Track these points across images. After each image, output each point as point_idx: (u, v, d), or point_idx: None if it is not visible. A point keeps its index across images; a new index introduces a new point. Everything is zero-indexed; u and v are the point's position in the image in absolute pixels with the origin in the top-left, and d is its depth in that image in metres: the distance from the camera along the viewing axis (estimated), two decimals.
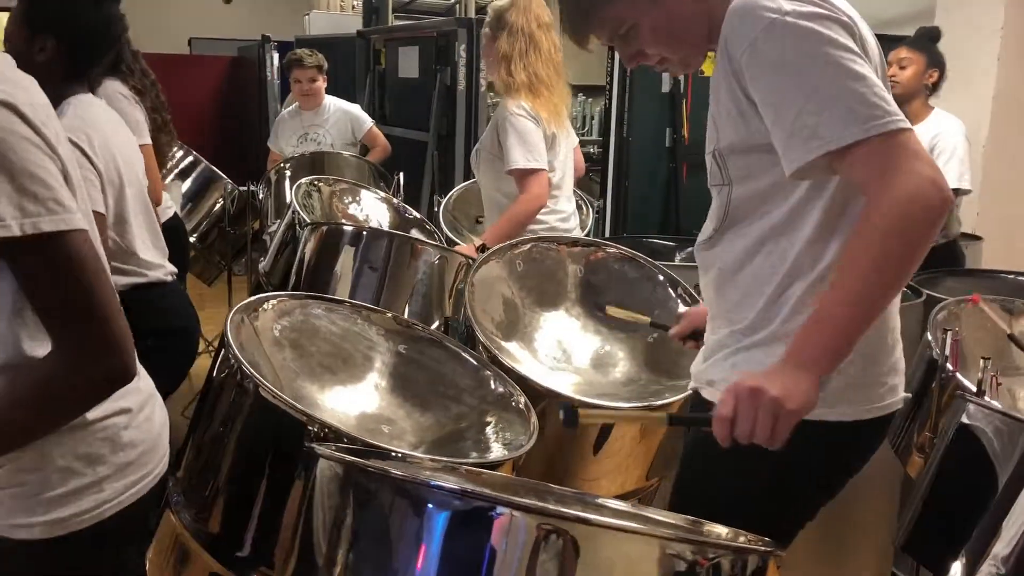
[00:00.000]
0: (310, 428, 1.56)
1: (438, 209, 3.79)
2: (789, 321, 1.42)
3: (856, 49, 1.29)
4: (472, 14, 6.42)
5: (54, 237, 1.08)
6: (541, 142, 2.79)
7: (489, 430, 1.93)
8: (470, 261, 2.65)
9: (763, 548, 1.12)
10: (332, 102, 4.67)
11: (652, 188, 4.38)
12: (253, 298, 1.94)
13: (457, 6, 6.24)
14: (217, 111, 8.27)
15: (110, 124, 2.14)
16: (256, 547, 1.68)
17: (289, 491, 1.67)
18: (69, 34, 2.02)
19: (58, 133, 1.17)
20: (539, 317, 2.45)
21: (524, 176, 2.77)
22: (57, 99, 2.02)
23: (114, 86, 2.77)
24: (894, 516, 2.85)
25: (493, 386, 2.03)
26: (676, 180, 4.36)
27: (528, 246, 2.49)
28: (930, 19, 4.07)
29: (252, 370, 1.63)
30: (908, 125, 1.27)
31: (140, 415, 1.31)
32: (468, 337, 2.25)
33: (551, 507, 1.09)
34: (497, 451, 1.80)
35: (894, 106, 1.27)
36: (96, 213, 1.98)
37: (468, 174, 4.52)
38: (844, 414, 1.45)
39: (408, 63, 5.04)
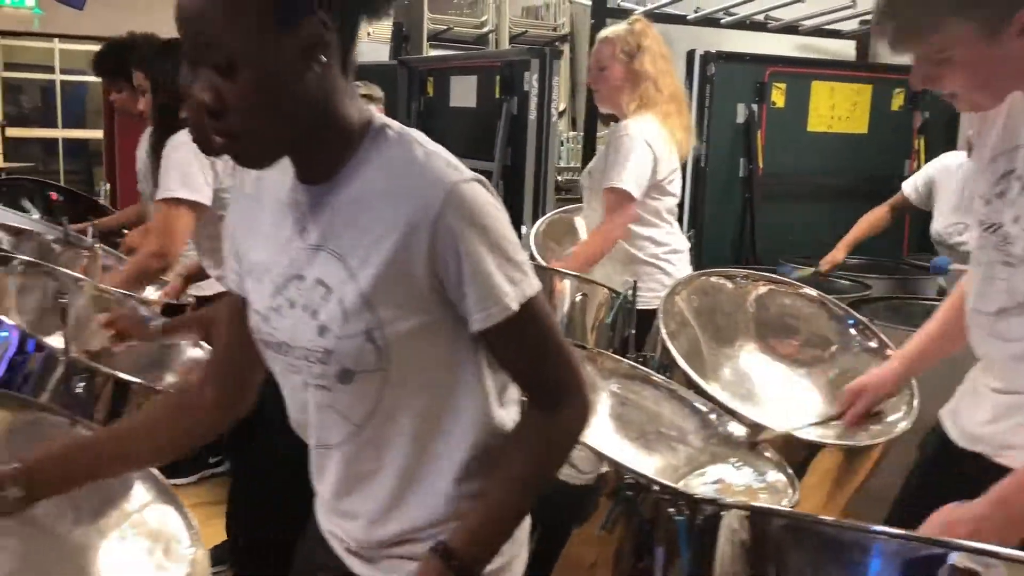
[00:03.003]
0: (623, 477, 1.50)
1: (523, 239, 3.74)
2: None
3: None
4: (506, 44, 6.42)
5: (535, 298, 1.08)
6: (648, 175, 2.74)
7: (731, 472, 1.88)
8: (613, 294, 2.60)
9: None
10: None
11: (726, 218, 4.38)
12: None
13: (491, 35, 6.22)
14: None
15: None
16: None
17: (565, 542, 1.61)
18: None
19: None
20: (717, 352, 2.41)
21: (620, 198, 2.69)
22: None
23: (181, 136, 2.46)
24: None
25: (720, 426, 1.98)
26: (751, 211, 4.36)
27: (700, 279, 2.46)
28: None
29: None
30: None
31: None
32: (662, 373, 2.20)
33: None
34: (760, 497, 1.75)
35: None
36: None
37: (539, 204, 4.47)
38: None
39: (464, 92, 4.98)
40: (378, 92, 4.59)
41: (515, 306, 1.05)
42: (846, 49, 5.36)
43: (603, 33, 2.87)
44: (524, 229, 3.93)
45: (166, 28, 3.38)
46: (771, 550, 1.17)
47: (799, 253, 4.01)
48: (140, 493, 1.49)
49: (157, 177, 2.64)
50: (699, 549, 1.28)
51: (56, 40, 12.15)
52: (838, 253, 3.62)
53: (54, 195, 3.85)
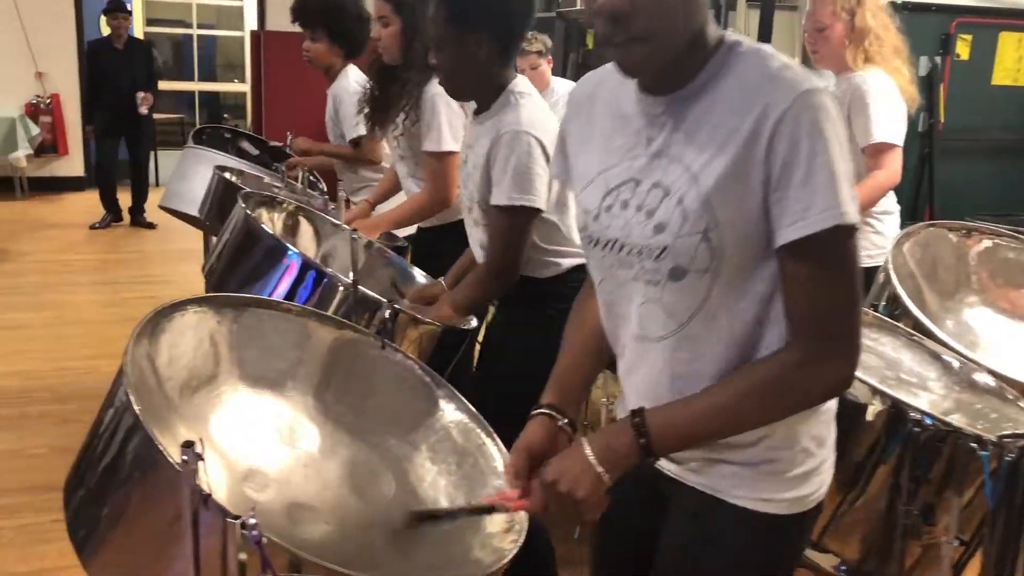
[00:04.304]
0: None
1: None
2: None
3: None
4: None
5: (846, 231, 1.06)
6: (901, 119, 2.74)
7: (978, 418, 1.89)
8: None
9: None
10: (559, 84, 4.63)
11: (904, 174, 4.24)
12: None
13: None
14: None
15: (546, 107, 2.10)
16: None
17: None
18: (499, 21, 1.94)
19: None
20: (940, 304, 2.40)
21: (885, 151, 2.70)
22: (497, 89, 1.99)
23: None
24: None
25: (963, 374, 1.99)
26: (929, 166, 4.25)
27: (925, 231, 2.45)
28: None
29: None
30: None
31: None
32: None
33: None
34: None
35: None
36: (537, 210, 1.94)
37: None
38: None
39: None
40: (548, 42, 4.66)
41: (849, 219, 1.03)
42: None
43: None
44: None
45: None
46: None
47: (979, 211, 3.91)
48: (448, 411, 1.60)
49: (377, 114, 2.75)
50: (1012, 482, 1.31)
51: None
52: None
53: (245, 142, 4.05)
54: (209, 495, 1.04)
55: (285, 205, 2.34)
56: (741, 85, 1.09)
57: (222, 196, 2.76)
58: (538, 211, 1.94)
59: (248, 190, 2.32)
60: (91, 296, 5.66)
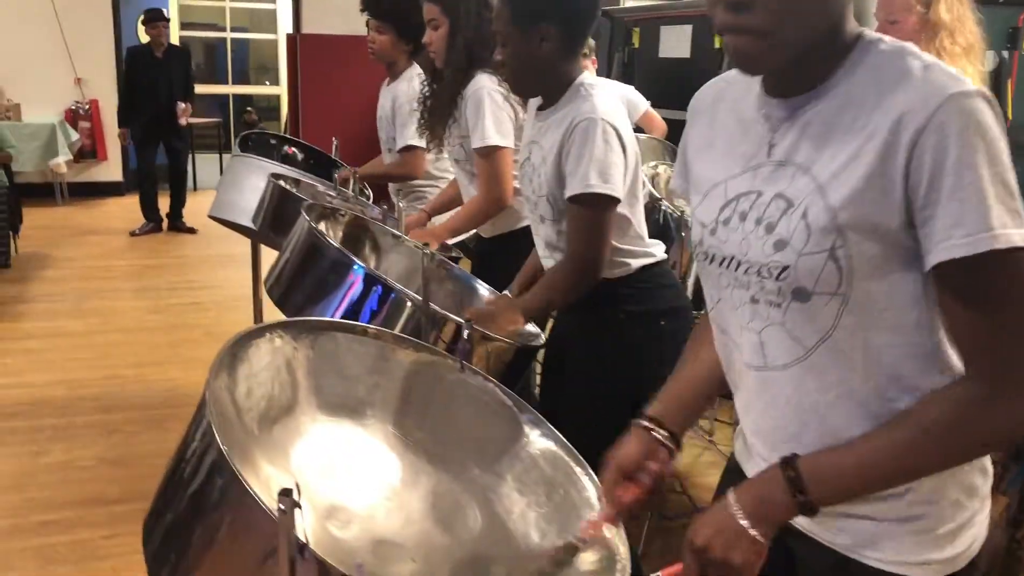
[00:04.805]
0: None
1: None
2: None
3: None
4: None
5: (1008, 254, 0.93)
6: None
7: None
8: None
9: None
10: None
11: None
12: None
13: None
14: None
15: (617, 97, 2.04)
16: None
17: None
18: (564, 16, 1.90)
19: None
20: None
21: None
22: (564, 84, 1.95)
23: (485, 81, 2.56)
24: None
25: None
26: None
27: None
28: None
29: None
30: None
31: None
32: None
33: None
34: None
35: None
36: (615, 199, 1.87)
37: None
38: None
39: (676, 42, 4.88)
40: (592, 43, 4.56)
41: (1005, 243, 0.91)
42: None
43: None
44: None
45: None
46: None
47: None
48: (533, 437, 1.51)
49: (432, 116, 2.67)
50: None
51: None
52: None
53: (291, 149, 3.98)
54: (306, 545, 0.96)
55: (343, 216, 2.27)
56: (877, 87, 0.98)
57: (277, 205, 2.69)
58: (617, 201, 1.87)
59: (310, 202, 2.25)
60: (134, 303, 5.65)
